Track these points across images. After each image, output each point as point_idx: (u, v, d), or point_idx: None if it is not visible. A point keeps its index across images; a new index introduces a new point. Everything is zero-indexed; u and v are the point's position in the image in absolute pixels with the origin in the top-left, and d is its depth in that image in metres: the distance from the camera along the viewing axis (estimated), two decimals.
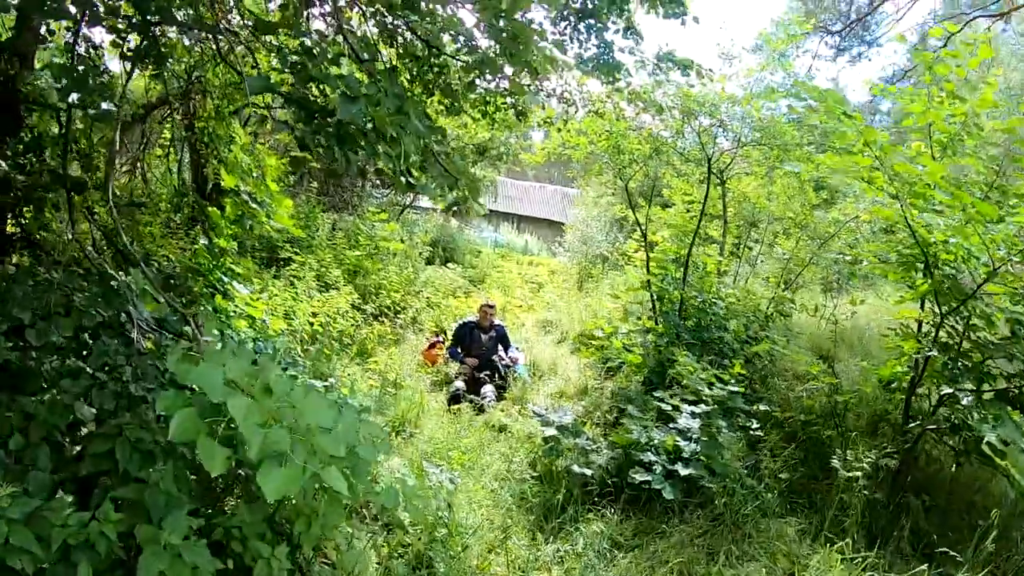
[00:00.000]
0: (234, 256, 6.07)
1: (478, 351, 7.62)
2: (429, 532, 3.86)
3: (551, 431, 4.62)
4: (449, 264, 13.19)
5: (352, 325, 7.75)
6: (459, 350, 7.73)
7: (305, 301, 7.26)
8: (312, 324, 6.83)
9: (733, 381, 5.24)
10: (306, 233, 9.45)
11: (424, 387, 7.22)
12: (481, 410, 6.52)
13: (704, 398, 4.96)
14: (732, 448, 4.61)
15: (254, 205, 5.42)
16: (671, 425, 4.74)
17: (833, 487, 4.58)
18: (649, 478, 4.22)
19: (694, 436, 4.44)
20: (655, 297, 6.69)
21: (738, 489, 4.43)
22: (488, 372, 7.33)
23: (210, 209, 5.76)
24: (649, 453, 4.38)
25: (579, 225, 16.99)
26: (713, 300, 6.52)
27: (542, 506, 4.57)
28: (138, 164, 7.03)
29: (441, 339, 8.11)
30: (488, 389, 6.86)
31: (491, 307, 7.98)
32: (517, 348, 8.65)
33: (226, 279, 6.06)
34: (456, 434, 5.65)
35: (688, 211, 9.08)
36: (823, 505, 4.54)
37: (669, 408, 4.81)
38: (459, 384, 6.87)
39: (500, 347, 7.99)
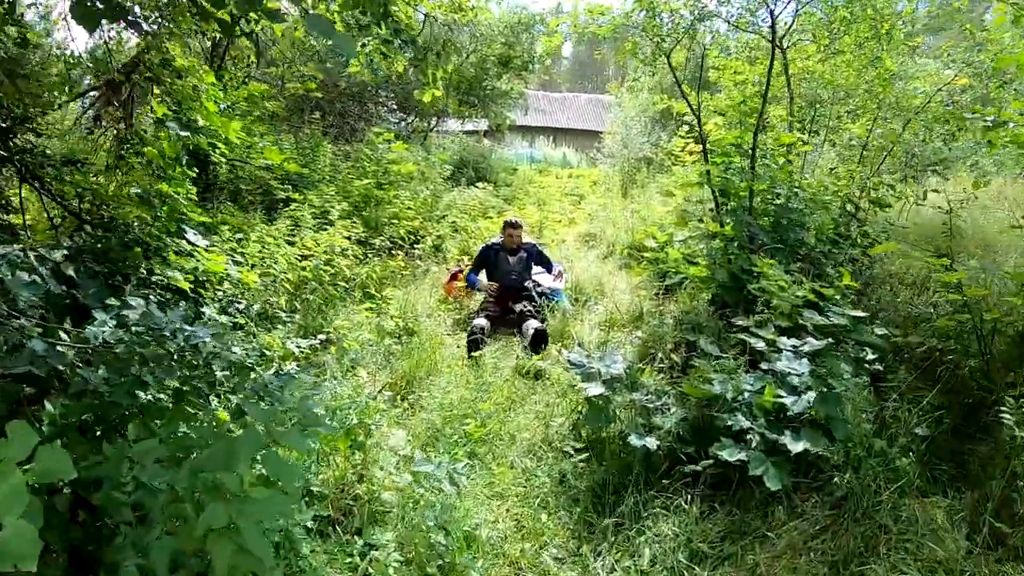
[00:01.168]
0: (189, 203, 4.75)
1: (505, 277, 6.22)
2: (420, 569, 2.56)
3: (596, 388, 3.19)
4: (479, 184, 11.64)
5: (357, 263, 6.41)
6: (478, 276, 6.37)
7: (297, 243, 5.92)
8: (304, 269, 5.49)
9: (838, 297, 3.71)
10: (310, 169, 8.09)
11: (444, 328, 5.88)
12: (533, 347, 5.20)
13: (805, 324, 3.46)
14: (856, 398, 3.11)
15: (184, 133, 4.02)
16: (763, 367, 3.27)
17: (998, 450, 3.08)
18: (743, 456, 2.78)
19: (802, 385, 2.95)
20: (717, 192, 5.09)
21: (865, 459, 2.98)
22: (522, 302, 5.92)
23: (147, 150, 4.40)
24: (739, 415, 2.92)
25: (617, 128, 15.10)
26: (793, 191, 4.88)
27: (590, 492, 3.23)
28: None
29: (463, 268, 6.71)
30: (531, 326, 5.45)
31: (515, 225, 6.45)
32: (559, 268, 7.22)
33: (187, 229, 4.79)
34: (477, 391, 4.32)
35: (742, 93, 7.35)
36: (984, 476, 3.06)
37: (762, 344, 3.32)
38: (480, 322, 5.48)
39: (538, 269, 6.58)
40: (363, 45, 4.54)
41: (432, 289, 6.81)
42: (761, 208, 5.17)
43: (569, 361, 3.35)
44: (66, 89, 5.55)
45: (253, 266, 5.19)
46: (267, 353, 4.58)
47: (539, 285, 6.13)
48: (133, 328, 3.00)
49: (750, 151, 5.28)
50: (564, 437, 3.70)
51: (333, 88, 11.32)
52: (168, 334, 2.90)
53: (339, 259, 5.95)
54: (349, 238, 6.50)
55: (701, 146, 7.35)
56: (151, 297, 3.82)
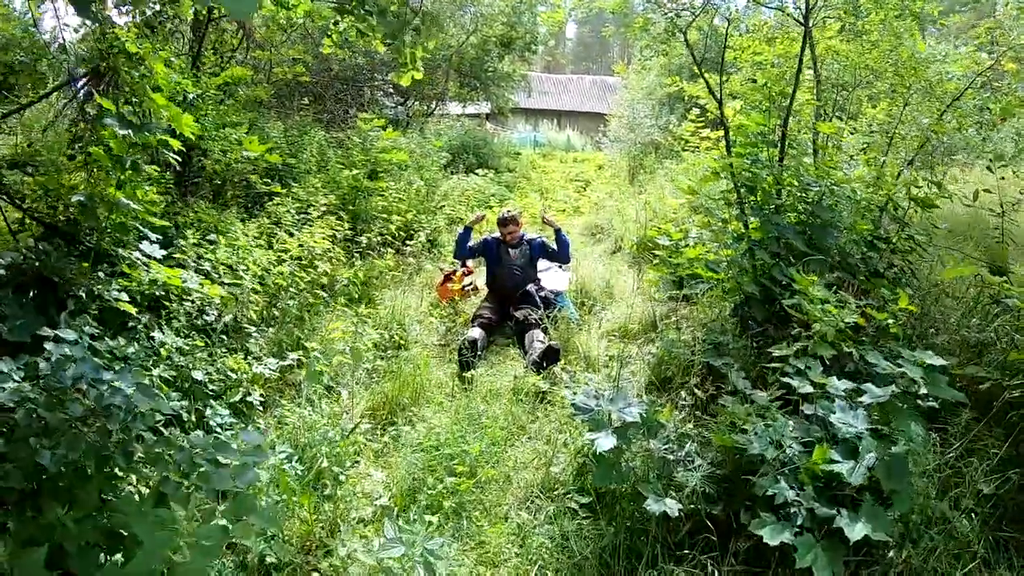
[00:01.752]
0: (147, 206, 4.17)
1: (507, 274, 5.61)
2: None
3: (607, 440, 2.59)
4: (479, 171, 10.99)
5: (341, 264, 5.81)
6: (465, 245, 5.78)
7: (274, 245, 5.33)
8: (280, 275, 4.90)
9: (890, 320, 3.09)
10: (297, 159, 7.47)
11: (436, 337, 5.29)
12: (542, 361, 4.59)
13: (850, 352, 2.85)
14: (924, 461, 2.49)
15: (124, 131, 3.40)
16: (806, 410, 2.67)
17: None
18: (787, 537, 2.19)
19: (861, 446, 2.35)
20: (741, 187, 4.45)
21: (923, 531, 2.39)
22: (524, 308, 5.28)
23: (92, 149, 3.80)
24: (782, 483, 2.32)
25: (623, 111, 14.37)
26: (829, 187, 4.23)
27: (596, 560, 2.65)
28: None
29: (457, 269, 6.09)
30: (537, 340, 4.82)
31: (508, 222, 5.73)
32: (563, 268, 6.61)
33: (147, 237, 4.22)
34: (467, 424, 3.73)
35: (765, 74, 6.73)
36: None
37: (807, 386, 2.70)
38: (472, 335, 4.85)
39: (545, 265, 6.00)
40: (336, 22, 3.93)
41: (425, 291, 6.22)
42: (788, 204, 4.53)
43: (574, 406, 2.75)
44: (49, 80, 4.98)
45: (221, 274, 4.60)
46: (233, 376, 4.01)
47: (542, 289, 5.52)
48: (43, 381, 2.42)
49: (778, 140, 4.64)
50: (567, 484, 3.12)
51: (326, 72, 10.65)
52: (77, 389, 2.33)
53: (319, 262, 5.35)
54: (333, 237, 5.89)
55: (721, 133, 6.69)
56: (85, 330, 3.24)
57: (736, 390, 3.04)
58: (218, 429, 3.60)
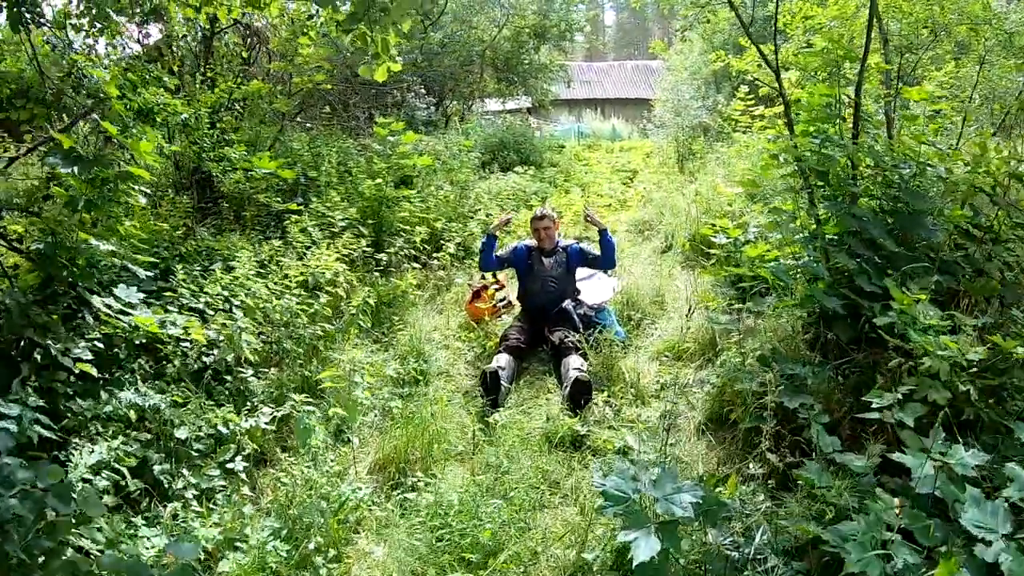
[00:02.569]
0: (128, 244, 3.69)
1: (542, 289, 4.90)
2: None
3: (647, 546, 1.88)
4: (518, 168, 10.28)
5: (355, 285, 5.22)
6: (491, 254, 5.07)
7: (274, 273, 4.77)
8: (277, 309, 4.31)
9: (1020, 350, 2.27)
10: (318, 172, 6.95)
11: (462, 367, 4.65)
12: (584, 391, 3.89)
13: (977, 405, 2.05)
14: None
15: (66, 168, 2.87)
16: (920, 488, 1.90)
17: None
18: None
19: (1004, 564, 1.57)
20: (806, 172, 3.62)
21: None
22: (561, 328, 4.54)
23: (55, 189, 3.32)
24: None
25: (667, 94, 13.40)
26: (922, 166, 3.36)
27: None
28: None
29: (488, 285, 5.42)
30: (572, 365, 4.09)
31: (545, 219, 5.02)
32: (608, 274, 5.88)
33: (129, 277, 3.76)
34: (485, 487, 3.07)
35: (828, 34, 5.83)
36: None
37: (924, 465, 1.92)
38: (499, 364, 4.15)
39: (585, 273, 5.29)
40: (310, 17, 3.34)
41: (454, 309, 5.58)
42: (866, 189, 3.69)
43: (603, 494, 2.03)
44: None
45: (216, 311, 4.06)
46: (225, 430, 3.46)
47: (581, 305, 4.79)
48: None
49: (848, 114, 3.80)
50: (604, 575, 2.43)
51: (352, 78, 10.13)
52: None
53: (325, 288, 4.78)
54: (348, 256, 5.32)
55: (778, 109, 5.83)
56: (30, 403, 2.73)
57: (819, 450, 2.27)
58: (195, 502, 3.06)
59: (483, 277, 5.55)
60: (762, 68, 5.14)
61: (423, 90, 12.31)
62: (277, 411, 3.62)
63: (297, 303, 4.41)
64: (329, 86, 8.03)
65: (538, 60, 15.23)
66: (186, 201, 5.74)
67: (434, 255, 6.17)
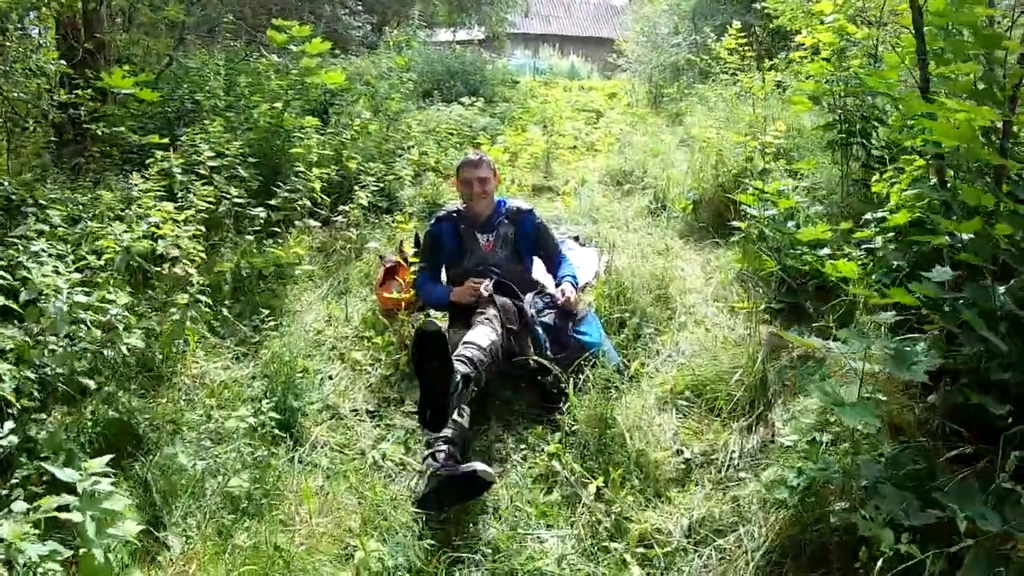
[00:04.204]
0: None
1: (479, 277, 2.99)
2: None
3: None
4: (463, 100, 8.27)
5: (210, 263, 3.32)
6: (435, 284, 3.18)
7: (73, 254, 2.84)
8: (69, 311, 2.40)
9: None
10: (204, 94, 4.94)
11: (361, 398, 2.84)
12: None
13: None
14: None
15: None
16: None
17: None
18: None
19: None
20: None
21: None
22: (515, 347, 2.73)
23: None
24: None
25: (643, 25, 11.41)
26: None
27: None
28: None
29: (407, 256, 3.52)
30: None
31: (482, 166, 3.08)
32: (580, 242, 4.13)
33: None
34: None
35: None
36: None
37: None
38: (433, 463, 2.26)
39: (534, 265, 3.38)
40: None
41: (362, 289, 3.74)
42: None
43: None
44: None
45: None
46: None
47: (546, 307, 2.95)
48: None
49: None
50: None
51: None
52: None
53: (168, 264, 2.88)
54: (210, 213, 3.39)
55: (806, 42, 4.10)
56: None
57: None
58: None
59: (400, 245, 3.67)
60: None
61: (360, 6, 9.98)
62: (50, 503, 1.77)
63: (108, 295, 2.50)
64: None
65: None
66: (40, 134, 4.58)
67: (337, 210, 4.22)
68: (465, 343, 2.48)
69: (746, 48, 7.22)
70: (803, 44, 4.20)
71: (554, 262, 3.20)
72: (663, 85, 10.02)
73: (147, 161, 3.79)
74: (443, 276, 3.20)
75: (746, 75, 7.33)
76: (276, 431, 2.47)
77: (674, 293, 3.38)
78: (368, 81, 6.11)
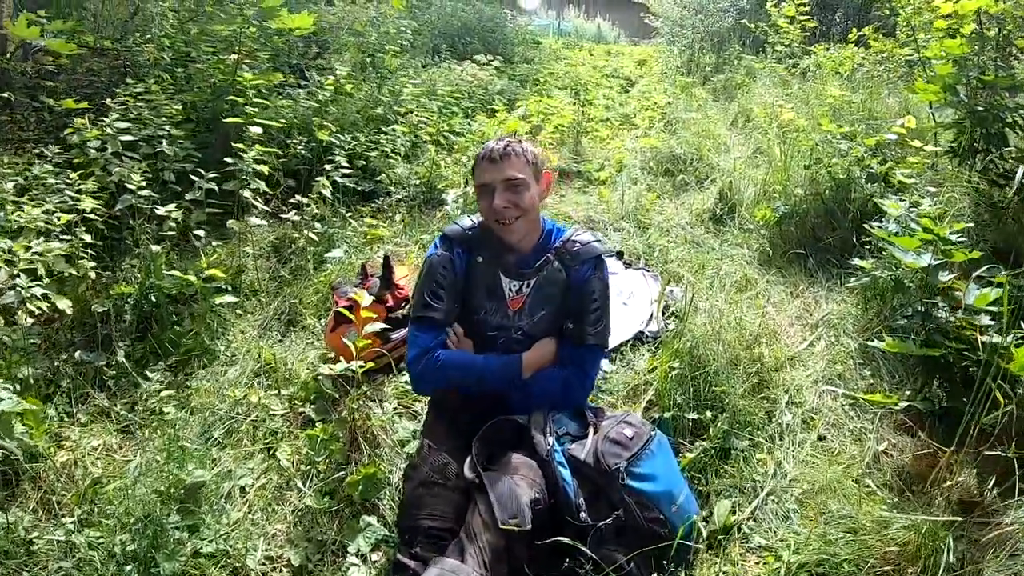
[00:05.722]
0: None
1: (496, 348, 1.77)
2: None
3: None
4: (478, 57, 7.00)
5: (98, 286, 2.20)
6: (447, 338, 1.77)
7: None
8: None
9: None
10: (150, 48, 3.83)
11: (304, 544, 1.72)
12: None
13: None
14: None
15: None
16: None
17: None
18: None
19: None
20: None
21: None
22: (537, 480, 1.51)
23: None
24: None
25: None
26: None
27: None
28: None
29: (371, 282, 2.35)
30: None
31: (510, 159, 1.65)
32: (624, 262, 3.01)
33: None
34: None
35: None
36: None
37: None
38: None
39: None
40: None
41: (316, 324, 2.60)
42: None
43: None
44: None
45: None
46: None
47: (587, 430, 1.64)
48: None
49: None
50: None
51: None
52: None
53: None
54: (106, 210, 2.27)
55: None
56: None
57: None
58: None
59: (364, 272, 2.48)
60: None
61: None
62: None
63: None
64: None
65: None
66: None
67: (286, 201, 3.03)
68: None
69: (807, 18, 6.18)
70: (939, 12, 2.98)
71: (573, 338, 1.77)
72: (706, 53, 8.69)
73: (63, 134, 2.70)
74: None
75: (821, 47, 6.08)
76: None
77: (768, 361, 2.23)
78: (357, 30, 4.83)
